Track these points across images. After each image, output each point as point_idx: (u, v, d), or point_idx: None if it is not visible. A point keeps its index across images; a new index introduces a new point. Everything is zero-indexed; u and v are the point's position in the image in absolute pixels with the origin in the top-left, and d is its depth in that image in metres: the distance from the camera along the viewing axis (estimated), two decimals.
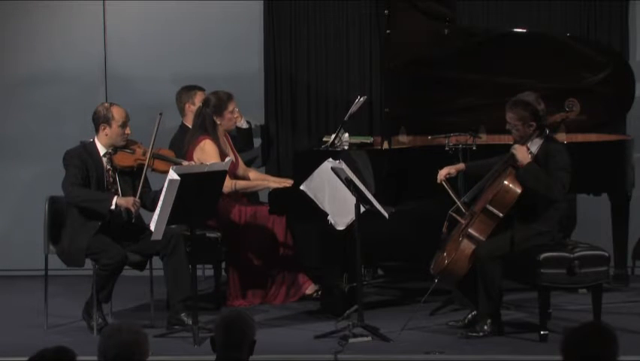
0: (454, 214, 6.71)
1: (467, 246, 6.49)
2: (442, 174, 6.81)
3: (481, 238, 6.49)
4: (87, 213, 6.80)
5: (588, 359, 3.68)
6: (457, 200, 6.74)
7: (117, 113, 6.90)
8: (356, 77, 8.75)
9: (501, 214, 6.46)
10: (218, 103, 7.49)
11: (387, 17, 7.55)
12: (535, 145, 6.54)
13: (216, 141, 7.46)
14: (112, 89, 8.80)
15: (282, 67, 8.78)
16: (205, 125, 7.47)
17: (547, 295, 6.47)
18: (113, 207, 6.73)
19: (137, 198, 6.78)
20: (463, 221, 6.64)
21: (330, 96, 8.77)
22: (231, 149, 7.69)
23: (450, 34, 7.79)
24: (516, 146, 6.53)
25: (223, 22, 8.80)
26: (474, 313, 6.63)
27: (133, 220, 6.83)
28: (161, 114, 6.83)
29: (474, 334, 6.50)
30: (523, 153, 6.47)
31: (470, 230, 6.50)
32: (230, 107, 7.53)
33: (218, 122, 7.50)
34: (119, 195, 6.86)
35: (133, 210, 6.76)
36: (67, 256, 6.86)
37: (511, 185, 6.44)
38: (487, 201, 6.48)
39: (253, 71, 8.80)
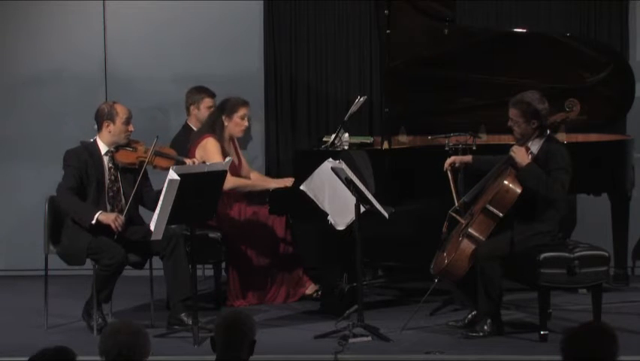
0: (453, 214, 6.71)
1: (467, 246, 6.49)
2: (448, 162, 6.82)
3: (481, 237, 6.49)
4: None
5: (588, 359, 3.69)
6: (455, 198, 6.73)
7: (121, 110, 6.91)
8: (356, 77, 8.75)
9: (501, 214, 6.46)
10: (230, 106, 7.51)
11: (387, 17, 7.55)
12: (535, 145, 6.54)
13: (220, 140, 7.46)
14: (112, 89, 8.80)
15: (282, 67, 8.78)
16: (213, 126, 7.48)
17: (547, 295, 6.47)
18: (93, 221, 6.71)
19: (120, 215, 6.73)
20: (463, 221, 6.65)
21: (330, 96, 8.77)
22: (235, 150, 7.69)
23: (450, 34, 7.79)
24: (515, 147, 6.53)
25: (223, 22, 8.80)
26: (474, 313, 6.63)
27: (115, 237, 6.75)
28: (157, 137, 6.84)
29: (474, 334, 6.50)
30: (522, 154, 6.47)
31: (470, 230, 6.50)
32: (241, 112, 7.51)
33: (226, 124, 7.50)
34: (121, 193, 6.86)
35: (113, 226, 6.70)
36: (68, 255, 6.86)
37: (511, 185, 6.44)
38: (487, 201, 6.48)
39: (253, 71, 8.81)
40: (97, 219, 6.69)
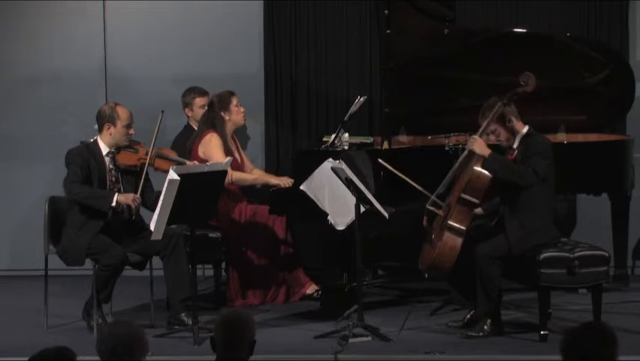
0: (431, 207, 6.71)
1: (449, 238, 6.51)
2: None
3: (462, 227, 6.50)
4: (89, 213, 6.80)
5: (588, 359, 3.69)
6: (429, 194, 6.73)
7: (122, 113, 6.91)
8: (356, 77, 8.75)
9: (477, 200, 6.50)
10: (221, 100, 7.56)
11: (387, 17, 7.56)
12: (515, 142, 6.57)
13: (222, 136, 7.49)
14: (112, 89, 8.80)
15: (282, 67, 8.78)
16: (214, 123, 7.51)
17: (547, 295, 6.47)
18: (114, 204, 6.74)
19: (137, 195, 6.79)
20: (441, 213, 6.65)
21: (330, 96, 8.77)
22: (237, 148, 7.71)
23: (450, 34, 7.78)
24: (472, 138, 6.55)
25: (223, 22, 8.80)
26: (474, 313, 6.63)
27: (133, 217, 6.83)
28: (162, 112, 6.87)
29: (474, 334, 6.51)
30: (480, 146, 6.50)
31: (450, 222, 6.52)
32: (234, 101, 7.60)
33: (227, 118, 7.56)
34: (121, 193, 6.87)
35: (133, 206, 6.76)
36: (68, 255, 6.86)
37: (481, 170, 6.47)
38: (461, 190, 6.51)
39: (253, 71, 8.81)
40: (116, 200, 6.72)
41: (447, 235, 6.50)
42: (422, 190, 6.73)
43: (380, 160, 6.97)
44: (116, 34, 8.86)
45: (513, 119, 6.52)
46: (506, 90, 6.60)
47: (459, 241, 6.49)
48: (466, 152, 6.61)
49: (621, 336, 3.79)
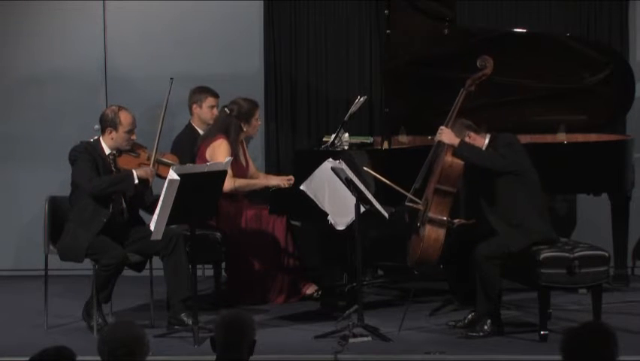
0: (410, 204, 6.75)
1: (431, 230, 6.56)
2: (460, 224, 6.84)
3: (443, 217, 6.57)
4: (93, 210, 6.79)
5: (588, 359, 3.69)
6: (406, 192, 6.75)
7: (124, 119, 6.90)
8: (356, 77, 8.75)
9: (453, 190, 6.58)
10: (245, 111, 7.55)
11: (387, 17, 7.56)
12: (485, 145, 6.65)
13: (232, 144, 7.47)
14: (112, 89, 8.80)
15: (282, 67, 8.78)
16: (228, 129, 7.49)
17: (547, 295, 6.48)
18: (136, 181, 6.78)
19: (152, 168, 6.84)
20: (421, 208, 6.68)
21: (330, 96, 8.77)
22: (244, 154, 7.70)
23: (450, 34, 7.78)
24: (440, 129, 6.63)
25: (223, 22, 8.80)
26: (474, 313, 6.63)
27: (146, 194, 6.88)
28: (172, 79, 6.87)
29: (474, 334, 6.51)
30: (449, 136, 6.59)
31: (430, 214, 6.57)
32: (257, 115, 7.62)
33: (245, 129, 7.55)
34: (122, 196, 6.88)
35: (151, 180, 6.82)
36: (67, 252, 6.85)
37: (453, 158, 6.55)
38: (436, 182, 6.58)
39: (253, 71, 8.80)
40: (137, 176, 6.78)
41: (429, 227, 6.57)
42: (399, 190, 6.76)
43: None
44: (116, 34, 8.85)
45: (472, 129, 6.61)
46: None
47: (442, 232, 6.55)
48: (435, 144, 6.68)
49: (621, 336, 3.79)
